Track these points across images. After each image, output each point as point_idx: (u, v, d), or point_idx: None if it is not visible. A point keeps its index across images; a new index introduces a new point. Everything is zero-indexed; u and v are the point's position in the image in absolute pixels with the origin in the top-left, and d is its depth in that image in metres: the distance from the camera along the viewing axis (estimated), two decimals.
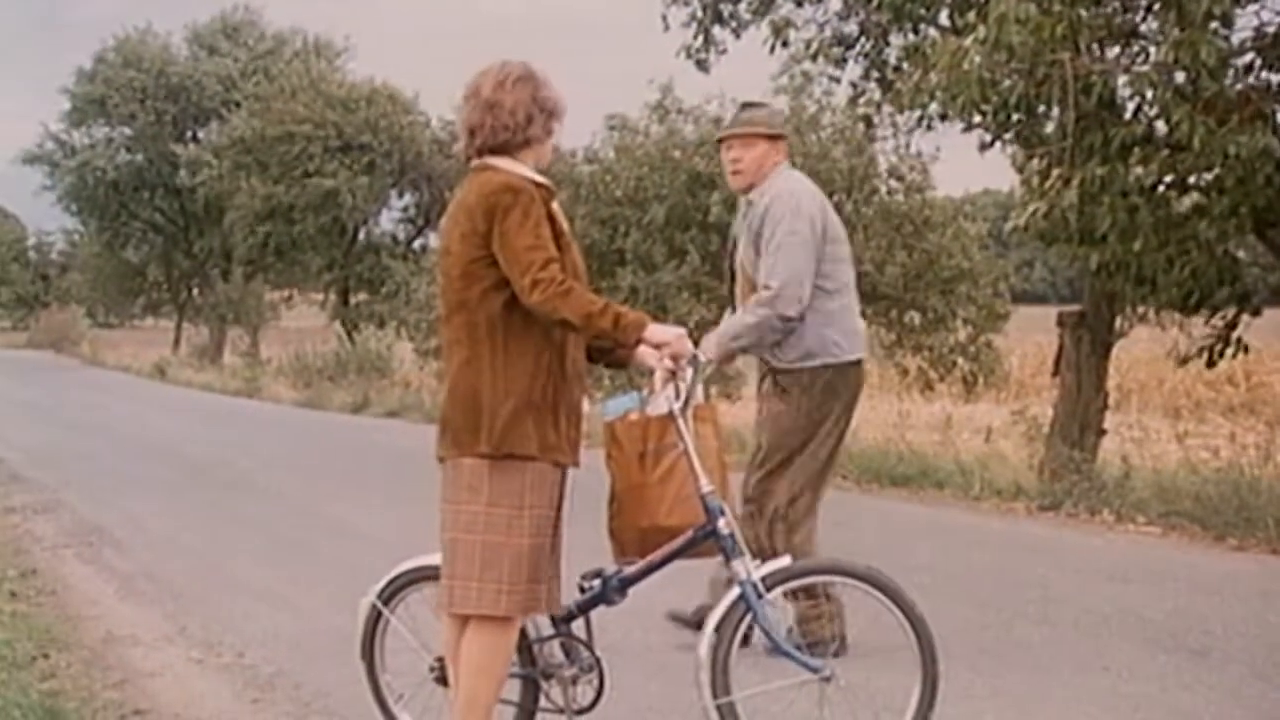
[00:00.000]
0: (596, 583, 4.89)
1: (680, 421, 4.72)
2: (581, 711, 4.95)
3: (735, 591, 4.72)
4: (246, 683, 6.51)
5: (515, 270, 4.41)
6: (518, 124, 4.60)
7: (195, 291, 48.69)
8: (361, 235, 39.05)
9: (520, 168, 4.60)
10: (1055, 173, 10.04)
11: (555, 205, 4.62)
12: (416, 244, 38.35)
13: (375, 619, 5.16)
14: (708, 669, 4.71)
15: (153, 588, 8.80)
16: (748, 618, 4.70)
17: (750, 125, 6.85)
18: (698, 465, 4.69)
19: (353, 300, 38.75)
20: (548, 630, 4.92)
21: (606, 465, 4.92)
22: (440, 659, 4.87)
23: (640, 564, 4.88)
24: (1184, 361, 12.10)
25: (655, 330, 4.57)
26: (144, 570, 9.37)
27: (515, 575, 4.52)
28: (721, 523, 4.68)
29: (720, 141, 7.03)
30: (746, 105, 7.06)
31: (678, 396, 4.74)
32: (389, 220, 39.56)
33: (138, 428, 21.41)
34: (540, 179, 4.61)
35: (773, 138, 6.87)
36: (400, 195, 38.68)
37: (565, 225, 4.64)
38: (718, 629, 4.73)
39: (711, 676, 4.71)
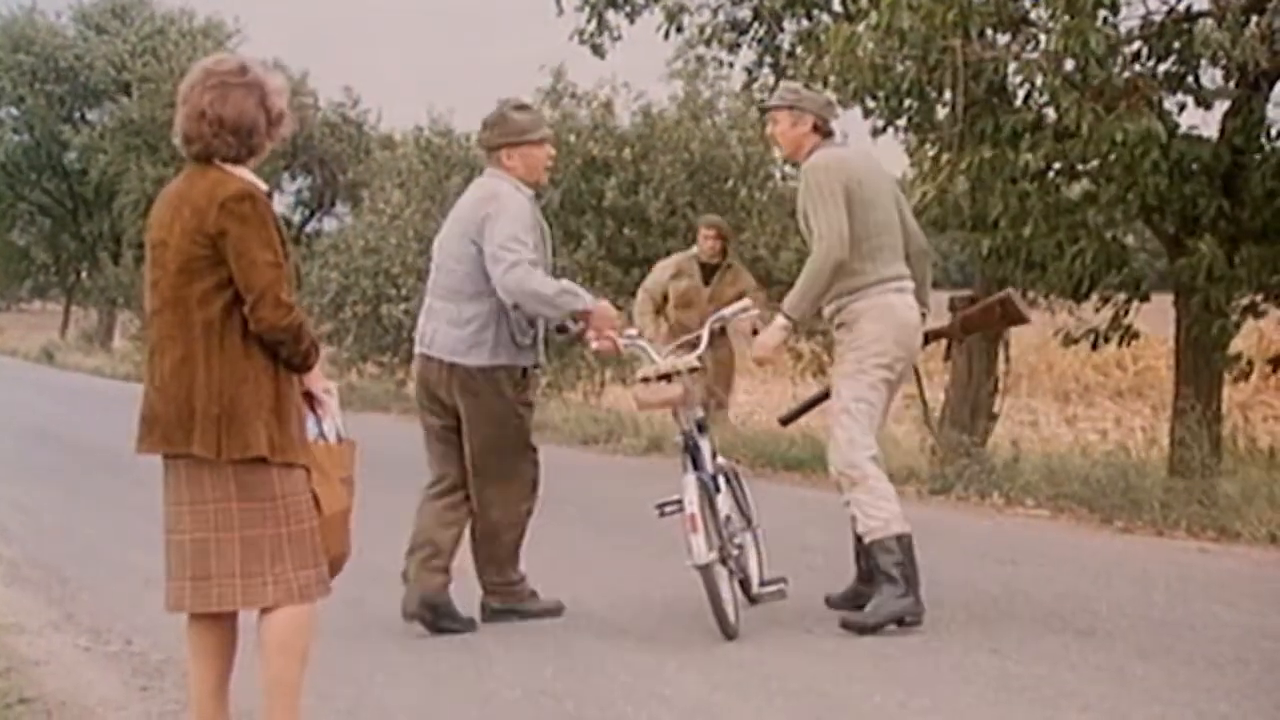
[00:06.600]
0: None
1: None
2: None
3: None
4: (135, 670, 6.43)
5: (257, 285, 4.37)
6: (240, 140, 4.51)
7: (84, 275, 47.86)
8: None
9: (248, 173, 4.52)
10: (945, 158, 10.17)
11: (274, 209, 4.55)
12: (310, 228, 37.93)
13: None
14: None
15: (39, 574, 8.67)
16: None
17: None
18: None
19: None
20: None
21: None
22: None
23: None
24: (1070, 342, 12.24)
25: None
26: (30, 556, 9.22)
27: (293, 561, 4.48)
28: None
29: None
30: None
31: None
32: (282, 204, 39.05)
33: (25, 412, 21.05)
34: (264, 186, 4.54)
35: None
36: (293, 178, 38.19)
37: (284, 232, 4.56)
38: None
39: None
